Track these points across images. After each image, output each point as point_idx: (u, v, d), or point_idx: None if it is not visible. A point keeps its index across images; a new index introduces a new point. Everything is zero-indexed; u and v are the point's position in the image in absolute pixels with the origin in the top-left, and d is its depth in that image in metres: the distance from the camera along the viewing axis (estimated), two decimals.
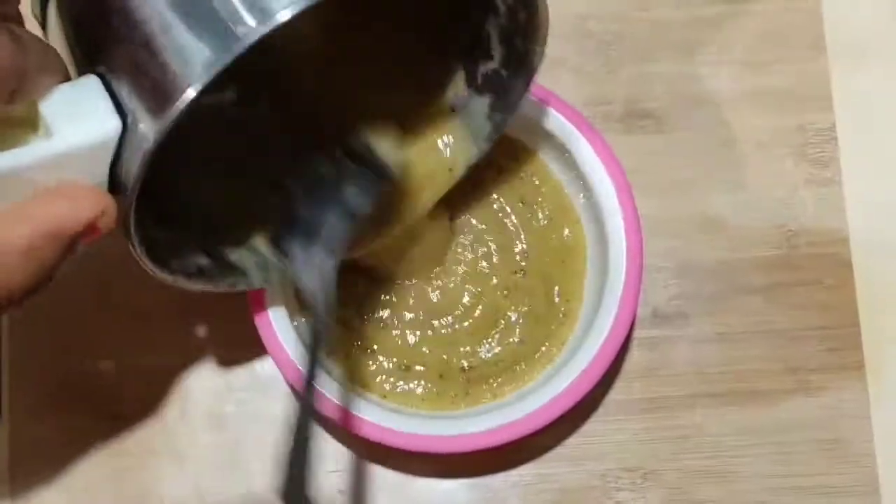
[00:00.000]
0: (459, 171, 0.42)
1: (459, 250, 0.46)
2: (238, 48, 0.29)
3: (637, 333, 0.47)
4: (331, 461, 0.46)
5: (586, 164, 0.44)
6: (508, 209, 0.46)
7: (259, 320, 0.42)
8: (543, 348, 0.44)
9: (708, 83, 0.49)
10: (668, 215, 0.48)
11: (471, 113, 0.42)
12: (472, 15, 0.39)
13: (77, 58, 0.33)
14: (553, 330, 0.45)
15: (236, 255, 0.40)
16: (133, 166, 0.31)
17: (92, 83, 0.32)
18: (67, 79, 0.33)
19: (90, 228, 0.32)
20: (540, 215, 0.46)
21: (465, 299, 0.45)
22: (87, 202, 0.32)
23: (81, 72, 0.33)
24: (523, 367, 0.44)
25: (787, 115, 0.49)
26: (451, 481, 0.46)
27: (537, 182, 0.46)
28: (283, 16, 0.29)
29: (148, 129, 0.31)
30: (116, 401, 0.46)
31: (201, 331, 0.47)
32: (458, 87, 0.42)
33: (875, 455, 0.45)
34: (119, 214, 0.33)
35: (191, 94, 0.30)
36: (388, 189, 0.41)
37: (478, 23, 0.39)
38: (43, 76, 0.31)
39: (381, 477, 0.45)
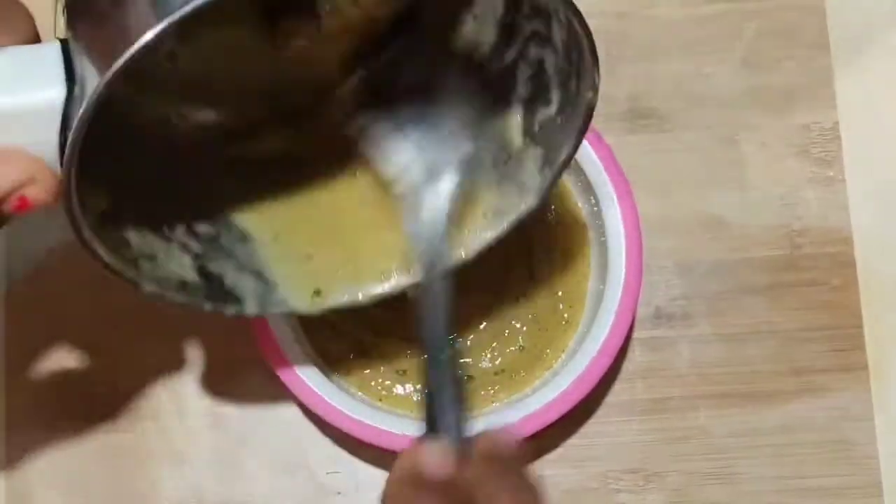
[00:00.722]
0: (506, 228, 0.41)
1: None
2: (173, 18, 0.27)
3: (639, 334, 0.46)
4: (329, 463, 0.46)
5: (589, 168, 0.43)
6: None
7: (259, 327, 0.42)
8: (544, 355, 0.44)
9: (711, 81, 0.49)
10: (670, 214, 0.47)
11: (523, 166, 0.40)
12: (530, 55, 0.38)
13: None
14: (555, 336, 0.44)
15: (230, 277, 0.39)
16: (71, 131, 0.29)
17: (50, 49, 0.31)
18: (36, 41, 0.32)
19: (19, 198, 0.30)
20: (549, 216, 0.45)
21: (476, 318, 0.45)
22: (14, 166, 0.30)
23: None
24: (522, 374, 0.44)
25: (791, 114, 0.48)
26: None
27: None
28: None
29: (88, 93, 0.29)
30: (115, 403, 0.46)
31: (201, 332, 0.47)
32: (514, 138, 0.40)
33: (878, 456, 0.45)
34: (58, 191, 0.31)
35: (127, 55, 0.28)
36: None
37: (539, 64, 0.38)
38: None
39: (381, 479, 0.45)
